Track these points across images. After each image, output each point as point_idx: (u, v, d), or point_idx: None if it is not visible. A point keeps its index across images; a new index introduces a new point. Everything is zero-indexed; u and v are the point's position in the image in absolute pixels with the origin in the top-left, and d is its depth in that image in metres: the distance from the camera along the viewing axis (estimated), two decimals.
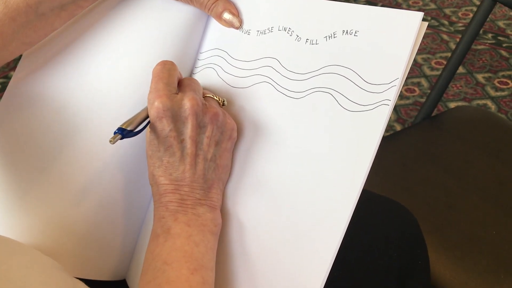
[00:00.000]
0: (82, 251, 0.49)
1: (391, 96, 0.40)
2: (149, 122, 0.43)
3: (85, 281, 0.47)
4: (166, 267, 0.40)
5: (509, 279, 0.69)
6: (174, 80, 0.44)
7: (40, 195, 0.47)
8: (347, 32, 0.43)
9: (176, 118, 0.42)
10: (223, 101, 0.48)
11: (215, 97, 0.48)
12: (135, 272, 0.52)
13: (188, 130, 0.43)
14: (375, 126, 0.40)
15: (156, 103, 0.42)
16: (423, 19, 0.40)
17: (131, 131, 0.41)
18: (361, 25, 0.42)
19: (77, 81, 0.49)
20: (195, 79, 0.47)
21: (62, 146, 0.48)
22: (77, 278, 0.47)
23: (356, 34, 0.43)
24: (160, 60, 0.46)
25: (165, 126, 0.42)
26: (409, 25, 0.40)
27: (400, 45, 0.40)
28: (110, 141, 0.39)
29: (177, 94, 0.43)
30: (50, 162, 0.47)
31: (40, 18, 0.46)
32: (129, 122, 0.42)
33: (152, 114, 0.42)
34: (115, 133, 0.40)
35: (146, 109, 0.44)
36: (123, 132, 0.40)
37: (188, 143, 0.43)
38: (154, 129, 0.43)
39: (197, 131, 0.43)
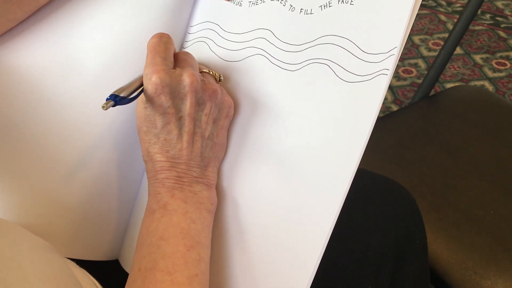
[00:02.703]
0: (74, 231, 0.49)
1: (390, 65, 0.39)
2: (142, 90, 0.42)
3: (77, 261, 0.47)
4: (162, 243, 0.39)
5: (507, 257, 0.69)
6: (171, 54, 0.43)
7: (28, 171, 0.46)
8: (342, 1, 0.42)
9: (174, 94, 0.41)
10: (220, 77, 0.47)
11: (211, 73, 0.47)
12: (128, 251, 0.51)
13: (187, 107, 0.42)
14: (373, 96, 0.39)
15: (154, 78, 0.40)
16: None
17: (124, 97, 0.40)
18: None
19: (62, 53, 0.47)
20: (190, 53, 0.45)
21: (50, 120, 0.46)
22: (69, 258, 0.47)
23: (352, 3, 0.41)
24: (152, 33, 0.44)
25: (163, 103, 0.41)
26: None
27: (398, 13, 0.39)
28: (103, 106, 0.38)
29: (175, 69, 0.42)
30: (38, 136, 0.46)
31: None
32: (122, 89, 0.40)
33: (150, 89, 0.41)
34: (107, 99, 0.39)
35: (140, 78, 0.42)
36: (116, 99, 0.39)
37: (187, 121, 0.42)
38: (151, 105, 0.41)
39: (196, 108, 0.42)
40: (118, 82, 0.46)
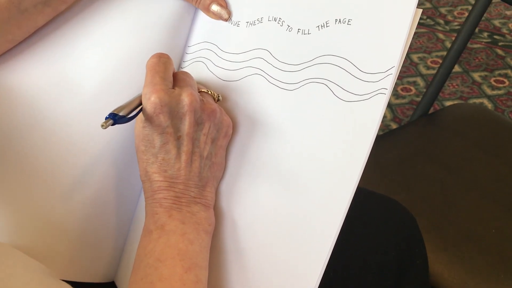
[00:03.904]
0: (70, 252, 0.48)
1: (388, 85, 0.39)
2: (141, 109, 0.42)
3: (72, 283, 0.46)
4: (159, 264, 0.39)
5: (509, 278, 0.69)
6: (170, 74, 0.43)
7: (24, 192, 0.46)
8: (340, 21, 0.42)
9: (173, 114, 0.41)
10: (218, 97, 0.47)
11: (210, 92, 0.47)
12: (125, 272, 0.51)
13: (186, 127, 0.42)
14: (372, 116, 0.39)
15: (153, 98, 0.40)
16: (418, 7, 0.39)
17: (123, 116, 0.40)
18: (354, 13, 0.41)
19: (59, 73, 0.47)
20: (189, 73, 0.45)
21: (47, 140, 0.46)
22: (64, 280, 0.46)
23: (349, 23, 0.42)
24: (150, 53, 0.44)
25: (162, 122, 0.41)
26: (404, 12, 0.39)
27: (395, 32, 0.39)
28: (102, 125, 0.38)
29: (174, 89, 0.42)
30: (34, 156, 0.46)
31: (23, 14, 0.45)
32: (121, 107, 0.40)
33: (149, 109, 0.41)
34: (106, 118, 0.39)
35: (139, 97, 0.42)
36: (115, 117, 0.39)
37: (185, 141, 0.42)
38: (149, 125, 0.41)
39: (195, 128, 0.42)
40: (115, 101, 0.46)
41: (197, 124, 0.43)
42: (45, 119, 0.46)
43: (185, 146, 0.42)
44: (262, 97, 0.46)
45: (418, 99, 1.63)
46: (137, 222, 0.51)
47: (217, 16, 0.50)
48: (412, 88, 1.68)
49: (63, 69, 0.47)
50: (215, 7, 0.49)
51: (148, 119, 0.41)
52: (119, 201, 0.50)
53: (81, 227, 0.48)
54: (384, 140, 0.91)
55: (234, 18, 0.49)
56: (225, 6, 0.49)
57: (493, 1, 0.87)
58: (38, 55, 0.48)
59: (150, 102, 0.40)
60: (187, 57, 0.52)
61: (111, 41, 0.48)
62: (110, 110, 0.40)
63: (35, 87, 0.47)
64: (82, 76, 0.47)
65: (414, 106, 1.60)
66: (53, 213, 0.46)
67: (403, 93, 1.66)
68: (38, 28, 0.48)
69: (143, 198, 0.49)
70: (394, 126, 1.54)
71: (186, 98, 0.41)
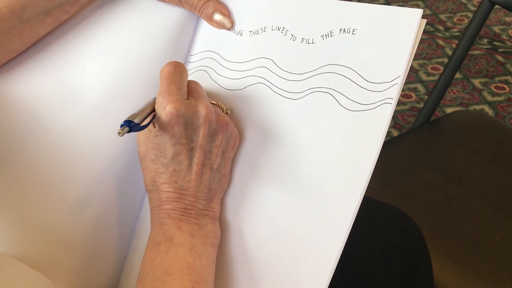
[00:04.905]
0: (73, 264, 0.47)
1: (394, 94, 0.39)
2: (154, 117, 0.41)
3: None
4: (167, 278, 0.39)
5: None
6: (186, 85, 0.43)
7: (25, 202, 0.45)
8: (344, 31, 0.42)
9: (188, 125, 0.41)
10: (227, 110, 0.47)
11: (219, 104, 0.47)
12: (126, 284, 0.50)
13: (199, 138, 0.41)
14: (378, 125, 0.39)
15: (168, 108, 0.40)
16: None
17: (138, 124, 0.39)
18: (359, 23, 0.41)
19: (61, 83, 0.47)
20: (199, 83, 0.45)
21: (49, 150, 0.46)
22: None
23: (354, 33, 0.41)
24: (152, 62, 0.44)
25: (176, 133, 0.40)
26: (409, 22, 0.39)
27: (401, 42, 0.39)
28: (119, 133, 0.37)
29: (189, 99, 0.42)
30: (37, 166, 0.46)
31: (25, 24, 0.45)
32: (135, 115, 0.39)
33: (164, 118, 0.40)
34: (122, 125, 0.38)
35: (151, 104, 0.41)
36: (131, 125, 0.38)
37: (197, 152, 0.42)
38: (162, 134, 0.41)
39: (208, 140, 0.42)
40: (118, 110, 0.46)
41: (210, 136, 0.42)
42: (47, 128, 0.46)
43: (197, 158, 0.42)
44: (266, 106, 0.45)
45: (419, 105, 1.63)
46: (139, 234, 0.50)
47: (220, 25, 0.49)
48: (412, 94, 1.68)
49: (65, 79, 0.47)
50: (217, 16, 0.49)
51: (162, 128, 0.40)
52: (121, 211, 0.49)
53: (84, 239, 0.47)
54: (387, 148, 0.91)
55: (237, 27, 0.49)
56: (228, 15, 0.49)
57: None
58: (39, 64, 0.47)
59: (166, 112, 0.40)
60: (190, 66, 0.52)
61: (113, 50, 0.48)
62: (112, 119, 0.39)
63: (37, 96, 0.46)
64: (84, 85, 0.47)
65: (415, 113, 1.60)
66: (55, 224, 0.46)
67: (404, 100, 1.66)
68: (39, 37, 0.48)
69: (144, 208, 0.49)
70: (395, 132, 1.54)
71: (202, 110, 0.41)
